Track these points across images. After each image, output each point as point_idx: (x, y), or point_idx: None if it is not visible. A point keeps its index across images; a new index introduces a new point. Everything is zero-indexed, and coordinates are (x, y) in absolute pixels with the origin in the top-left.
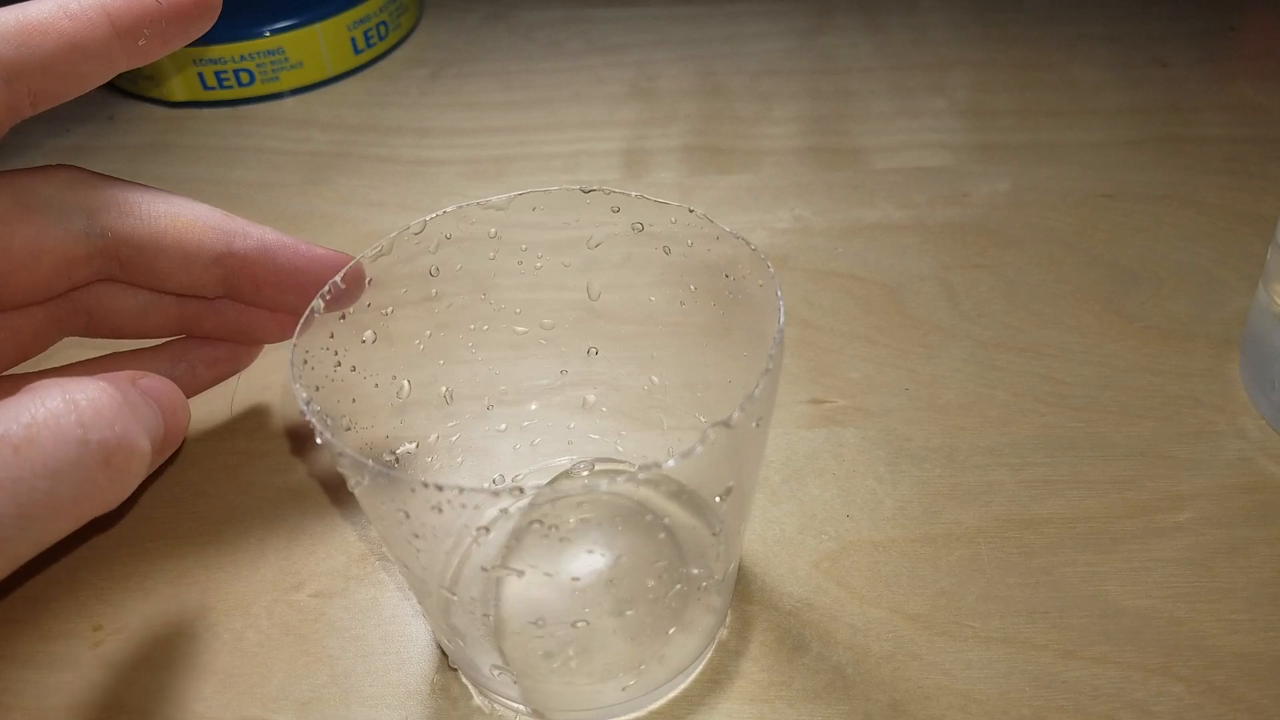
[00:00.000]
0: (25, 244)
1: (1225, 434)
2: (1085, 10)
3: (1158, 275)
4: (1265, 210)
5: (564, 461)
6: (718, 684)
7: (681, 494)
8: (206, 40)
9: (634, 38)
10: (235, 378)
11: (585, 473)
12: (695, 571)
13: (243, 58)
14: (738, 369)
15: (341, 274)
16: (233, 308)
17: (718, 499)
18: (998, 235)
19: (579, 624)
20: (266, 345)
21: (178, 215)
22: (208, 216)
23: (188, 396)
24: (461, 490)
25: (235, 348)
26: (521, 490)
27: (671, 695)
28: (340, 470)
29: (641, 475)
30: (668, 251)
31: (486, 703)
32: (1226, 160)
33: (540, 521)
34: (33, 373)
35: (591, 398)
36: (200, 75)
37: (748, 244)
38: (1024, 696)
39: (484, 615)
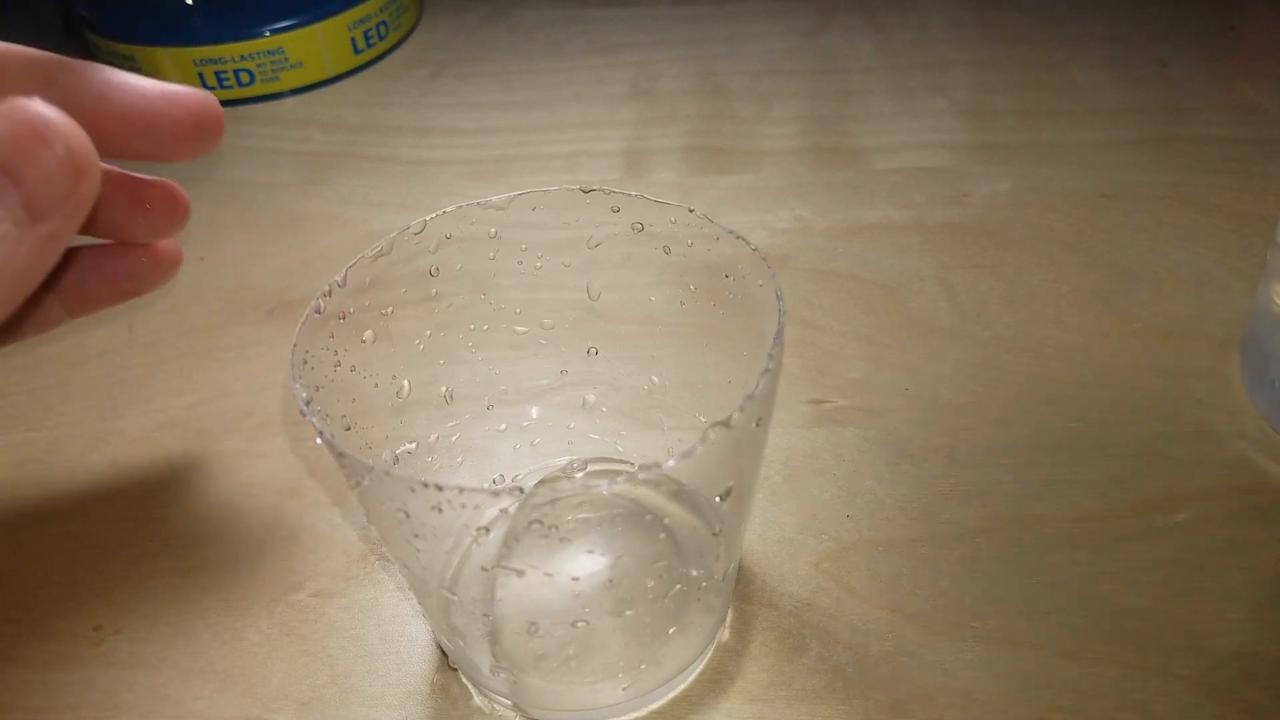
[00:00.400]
0: None
1: (1225, 434)
2: (1085, 10)
3: (1158, 275)
4: (1265, 210)
5: (564, 461)
6: (718, 684)
7: (681, 494)
8: (207, 40)
9: (634, 38)
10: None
11: (579, 473)
12: (695, 572)
13: (243, 58)
14: (738, 369)
15: (342, 273)
16: None
17: (718, 499)
18: (998, 235)
19: (579, 624)
20: (267, 345)
21: None
22: (29, 51)
23: (78, 313)
24: (461, 490)
25: (131, 260)
26: (521, 490)
27: (671, 695)
28: (340, 470)
29: (641, 475)
30: (668, 251)
31: (486, 703)
32: (1227, 160)
33: (540, 521)
34: None
35: (591, 398)
36: (200, 75)
37: (748, 244)
38: (1024, 696)
39: (484, 615)
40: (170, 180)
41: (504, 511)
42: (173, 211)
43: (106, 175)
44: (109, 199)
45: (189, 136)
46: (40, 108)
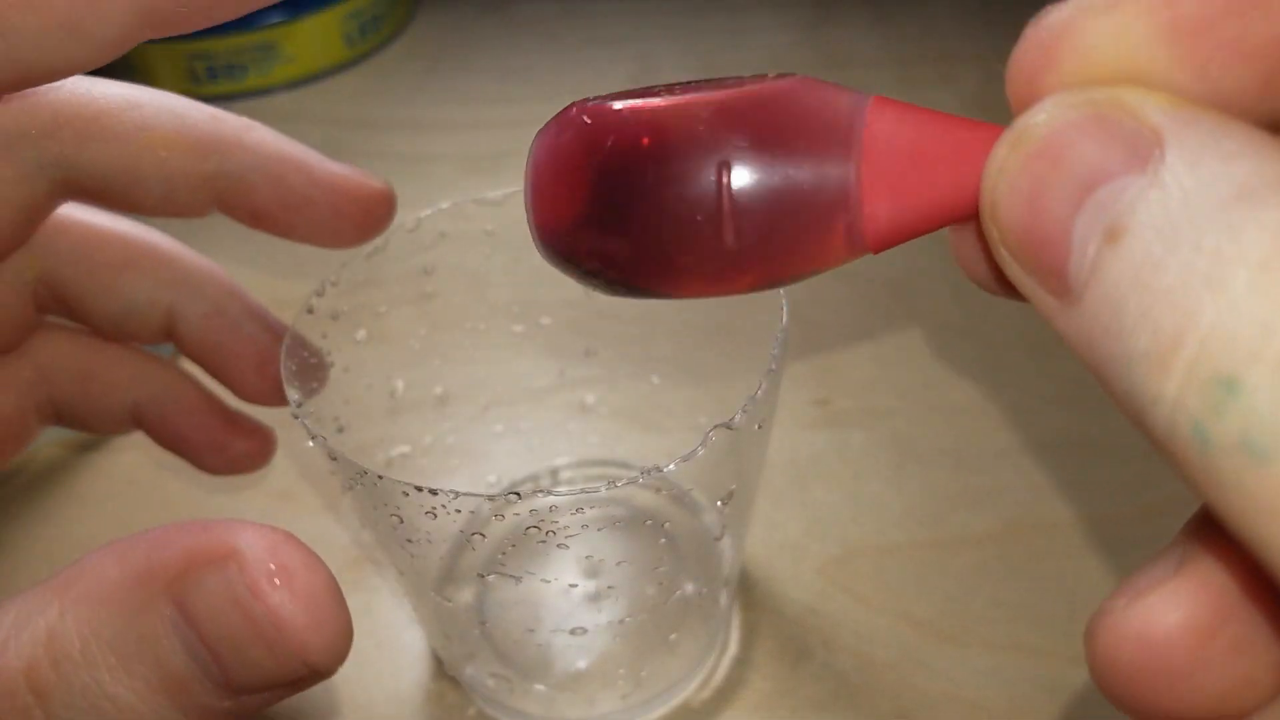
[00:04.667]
0: None
1: None
2: None
3: None
4: None
5: (563, 462)
6: (721, 692)
7: (682, 498)
8: (198, 34)
9: (634, 30)
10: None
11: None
12: (697, 578)
13: (235, 52)
14: (740, 369)
15: (336, 272)
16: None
17: (719, 503)
18: None
19: (577, 631)
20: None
21: (153, 127)
22: (192, 123)
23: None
24: (456, 495)
25: (223, 449)
26: (518, 495)
27: (673, 704)
28: (333, 474)
29: (641, 479)
30: None
31: (482, 711)
32: None
33: (537, 527)
34: None
35: (591, 399)
36: (192, 70)
37: None
38: (1032, 704)
39: (479, 622)
40: (265, 426)
41: (499, 516)
42: (256, 458)
43: (198, 408)
44: (192, 437)
45: (355, 232)
46: (266, 580)
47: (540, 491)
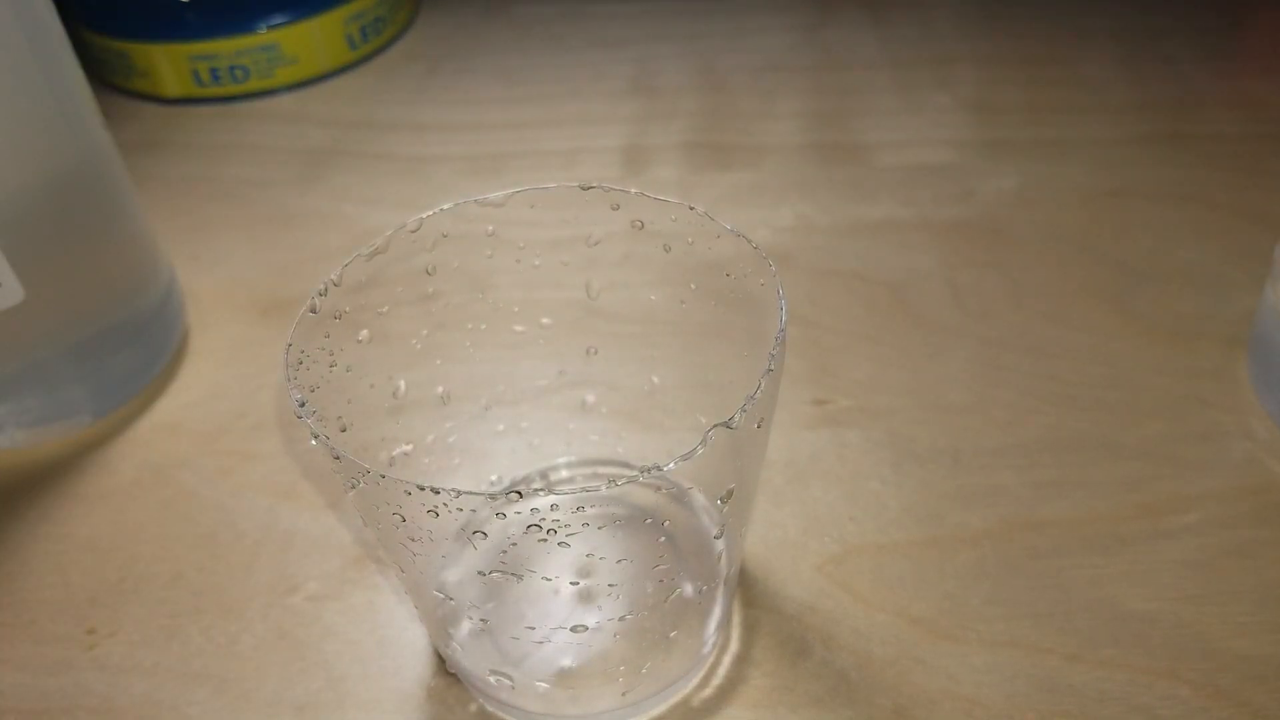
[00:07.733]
0: None
1: (1233, 435)
2: (1092, 5)
3: (1165, 274)
4: (1274, 208)
5: (564, 461)
6: (720, 689)
7: (682, 496)
8: (201, 36)
9: (634, 32)
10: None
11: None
12: (696, 576)
13: (238, 53)
14: (739, 369)
15: (338, 272)
16: None
17: (719, 501)
18: (1003, 233)
19: (577, 629)
20: (261, 344)
21: None
22: None
23: None
24: (458, 494)
25: None
26: (519, 494)
27: (672, 701)
28: (336, 473)
29: (642, 478)
30: (668, 250)
31: (484, 708)
32: (1235, 157)
33: (538, 525)
34: None
35: (591, 398)
36: (195, 71)
37: (749, 242)
38: (1029, 701)
39: (481, 620)
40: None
41: (501, 515)
42: None
43: None
44: None
45: None
46: None
47: (541, 490)
